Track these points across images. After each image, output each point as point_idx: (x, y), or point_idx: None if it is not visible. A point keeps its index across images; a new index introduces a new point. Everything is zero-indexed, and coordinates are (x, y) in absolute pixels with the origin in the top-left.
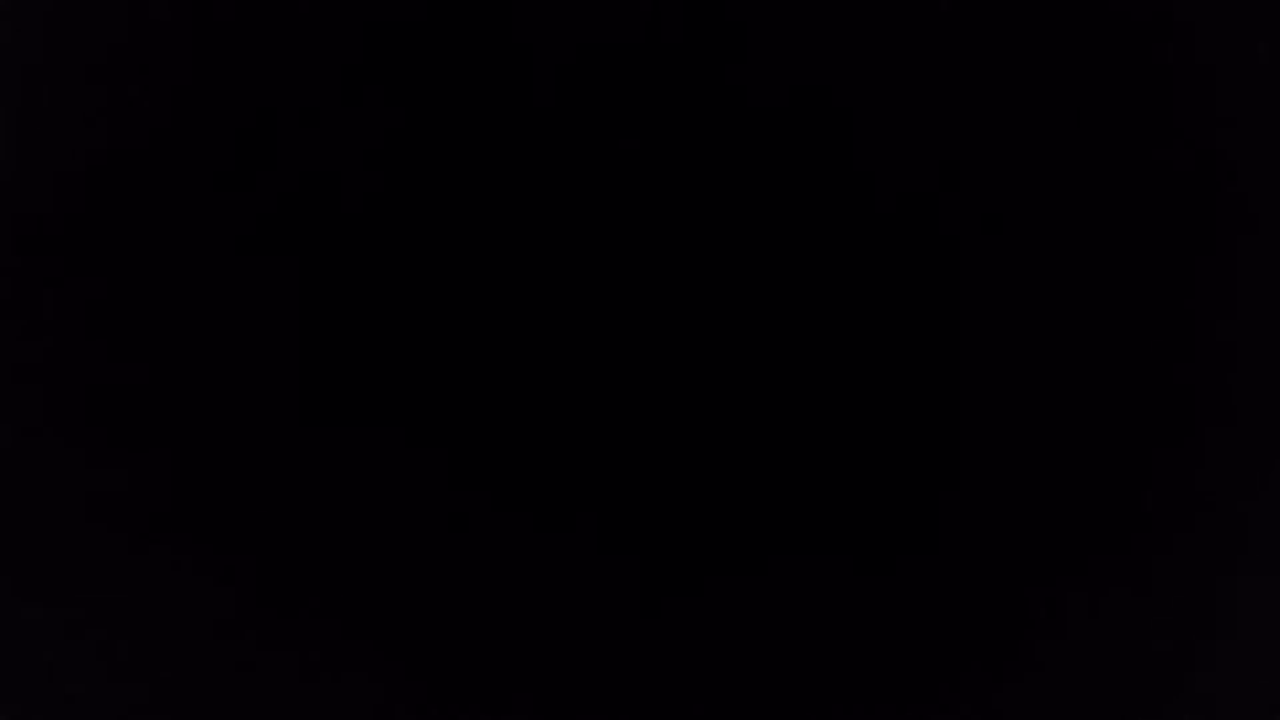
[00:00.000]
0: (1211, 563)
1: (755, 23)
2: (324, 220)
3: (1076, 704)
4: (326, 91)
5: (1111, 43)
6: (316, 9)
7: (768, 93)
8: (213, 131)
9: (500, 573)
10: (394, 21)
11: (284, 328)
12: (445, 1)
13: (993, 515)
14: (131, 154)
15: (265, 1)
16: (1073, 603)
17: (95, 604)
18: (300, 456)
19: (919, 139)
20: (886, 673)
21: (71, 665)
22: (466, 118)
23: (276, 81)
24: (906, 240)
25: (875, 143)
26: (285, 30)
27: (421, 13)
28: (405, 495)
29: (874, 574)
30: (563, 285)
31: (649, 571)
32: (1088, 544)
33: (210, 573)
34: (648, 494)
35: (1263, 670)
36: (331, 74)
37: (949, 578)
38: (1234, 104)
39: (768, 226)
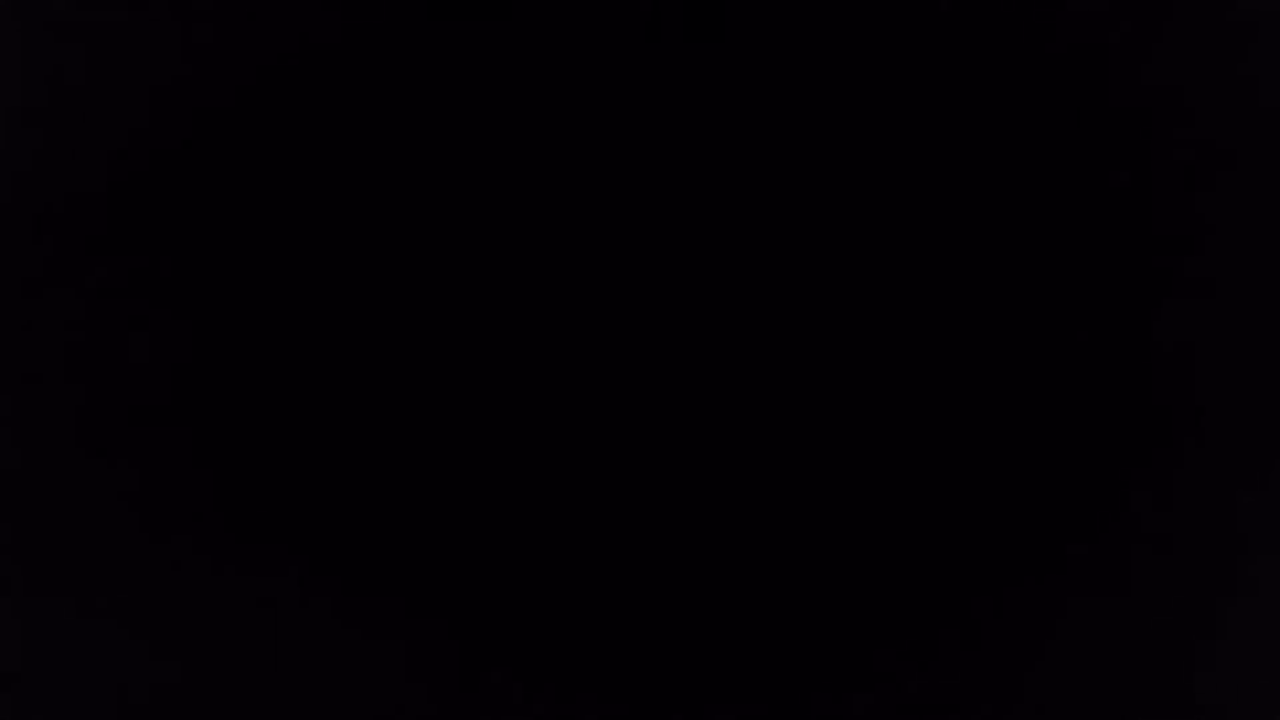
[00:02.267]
0: (1211, 563)
1: (753, 22)
2: (328, 218)
3: (1077, 705)
4: (330, 91)
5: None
6: (319, 8)
7: (765, 91)
8: (219, 131)
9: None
10: (394, 22)
11: (297, 320)
12: (445, 2)
13: (988, 517)
14: (142, 149)
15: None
16: (1073, 605)
17: (114, 598)
18: (313, 448)
19: (910, 141)
20: (892, 669)
21: (92, 660)
22: (466, 118)
23: (278, 80)
24: (899, 245)
25: (872, 143)
26: (286, 29)
27: (421, 13)
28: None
29: (876, 572)
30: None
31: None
32: (1085, 545)
33: (231, 566)
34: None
35: (1263, 671)
36: (334, 73)
37: (947, 579)
38: (1213, 123)
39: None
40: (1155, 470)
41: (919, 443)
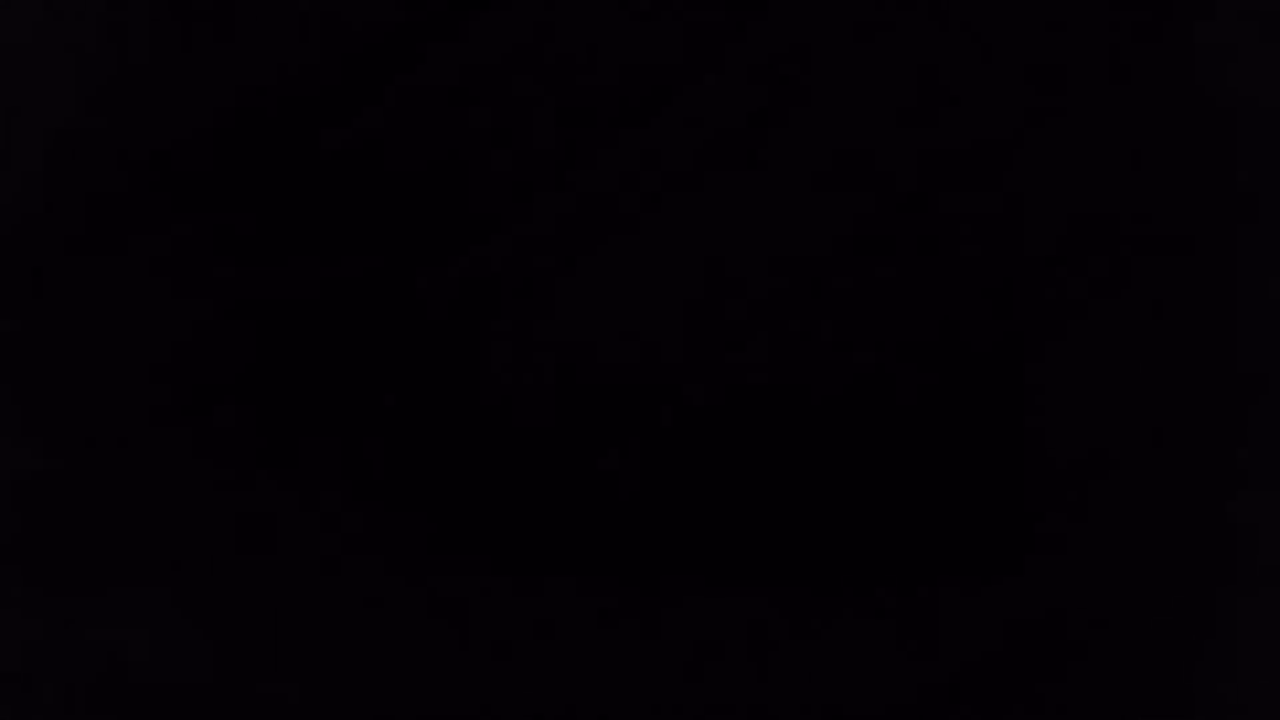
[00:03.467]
0: (1212, 565)
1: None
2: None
3: (1079, 705)
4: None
5: None
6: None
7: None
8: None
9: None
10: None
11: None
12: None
13: (981, 520)
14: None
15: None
16: (1074, 605)
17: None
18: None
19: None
20: (893, 683)
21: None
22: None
23: (285, 83)
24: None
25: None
26: (290, 32)
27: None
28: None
29: (872, 583)
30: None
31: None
32: (1085, 542)
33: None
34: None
35: (1263, 671)
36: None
37: (944, 584)
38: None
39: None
40: (1156, 467)
41: (918, 431)
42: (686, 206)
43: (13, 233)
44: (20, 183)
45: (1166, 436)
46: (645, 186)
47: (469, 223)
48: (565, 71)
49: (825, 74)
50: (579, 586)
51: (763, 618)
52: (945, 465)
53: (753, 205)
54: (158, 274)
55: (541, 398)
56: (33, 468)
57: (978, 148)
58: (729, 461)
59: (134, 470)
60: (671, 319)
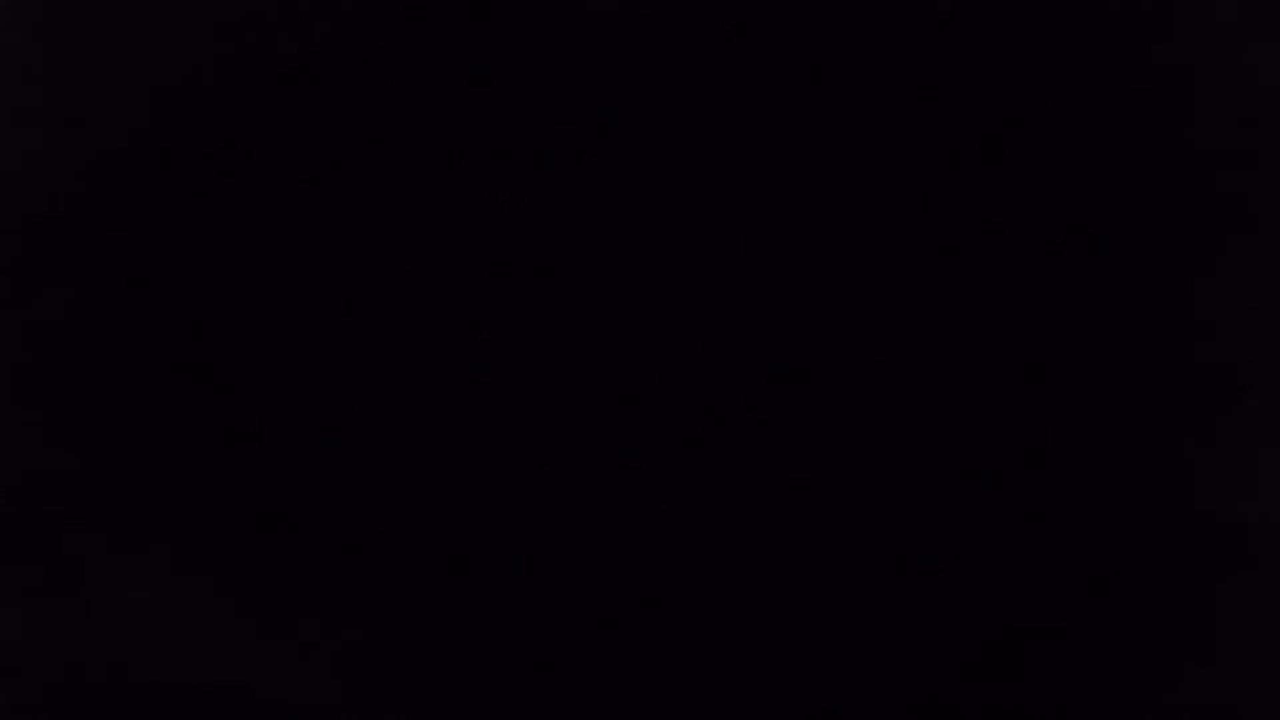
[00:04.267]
0: (1202, 561)
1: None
2: (324, 218)
3: (1079, 702)
4: (327, 93)
5: None
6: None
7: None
8: (217, 132)
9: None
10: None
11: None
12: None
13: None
14: (140, 150)
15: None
16: (1074, 606)
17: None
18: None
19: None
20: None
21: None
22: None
23: (279, 81)
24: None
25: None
26: (288, 31)
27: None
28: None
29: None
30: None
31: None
32: (1085, 540)
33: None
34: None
35: (1249, 664)
36: (331, 76)
37: (944, 584)
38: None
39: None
40: (1152, 466)
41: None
42: (686, 207)
43: (14, 230)
44: (24, 178)
45: (1159, 437)
46: (645, 187)
47: (468, 223)
48: (564, 74)
49: (825, 75)
50: (579, 587)
51: (762, 618)
52: (944, 465)
53: (753, 205)
54: (160, 271)
55: (541, 397)
56: (34, 465)
57: (978, 146)
58: (729, 460)
59: (134, 469)
60: (671, 318)
